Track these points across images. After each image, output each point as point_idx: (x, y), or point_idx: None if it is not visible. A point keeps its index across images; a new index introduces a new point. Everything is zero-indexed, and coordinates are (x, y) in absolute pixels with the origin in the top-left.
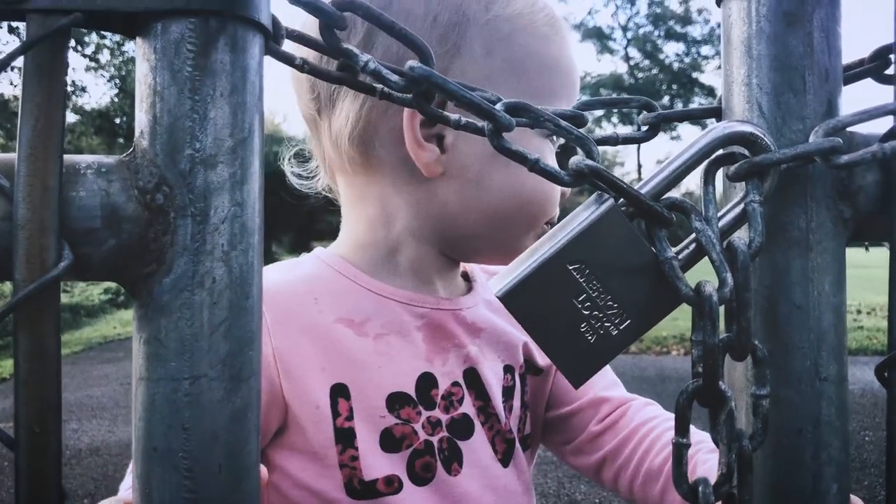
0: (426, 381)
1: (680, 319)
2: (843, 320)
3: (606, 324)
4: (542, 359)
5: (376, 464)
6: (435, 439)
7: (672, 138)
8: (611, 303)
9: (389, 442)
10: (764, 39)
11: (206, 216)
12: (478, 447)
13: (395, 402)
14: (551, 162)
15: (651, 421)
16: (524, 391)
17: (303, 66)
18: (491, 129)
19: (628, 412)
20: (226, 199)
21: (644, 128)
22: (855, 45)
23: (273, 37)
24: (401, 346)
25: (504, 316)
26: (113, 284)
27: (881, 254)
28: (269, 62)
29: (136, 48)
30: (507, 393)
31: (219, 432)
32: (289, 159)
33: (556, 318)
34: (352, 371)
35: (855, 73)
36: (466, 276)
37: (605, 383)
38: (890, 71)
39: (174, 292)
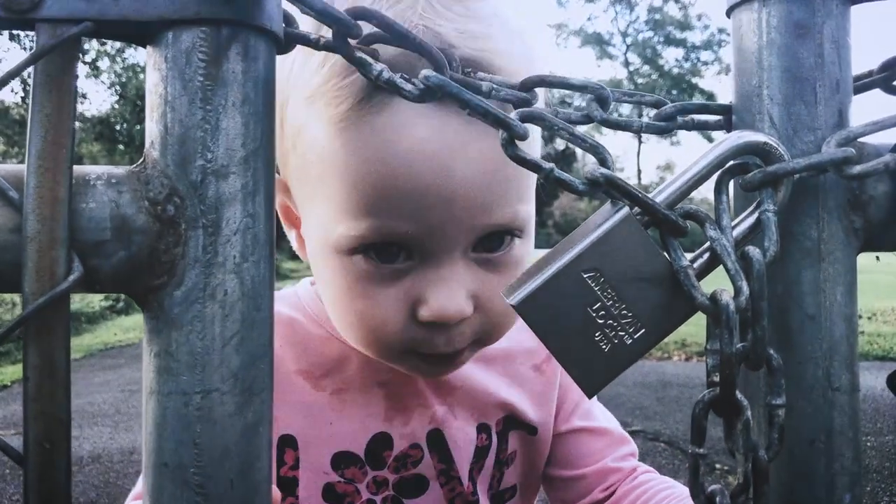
0: (379, 442)
1: (681, 325)
2: (855, 330)
3: (621, 332)
4: (535, 415)
5: None
6: (378, 498)
7: (672, 144)
8: (625, 311)
9: (331, 495)
10: (775, 51)
11: (217, 228)
12: None
13: (341, 461)
14: (370, 291)
15: (647, 483)
16: (502, 448)
17: (318, 43)
18: (506, 139)
19: (626, 480)
20: (238, 211)
21: (663, 120)
22: (864, 56)
23: (286, 44)
24: (358, 403)
25: (488, 367)
26: None
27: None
28: None
29: (147, 57)
30: (480, 453)
31: (231, 447)
32: None
33: (571, 327)
34: (302, 424)
35: (863, 83)
36: None
37: (619, 454)
38: None
39: (185, 305)
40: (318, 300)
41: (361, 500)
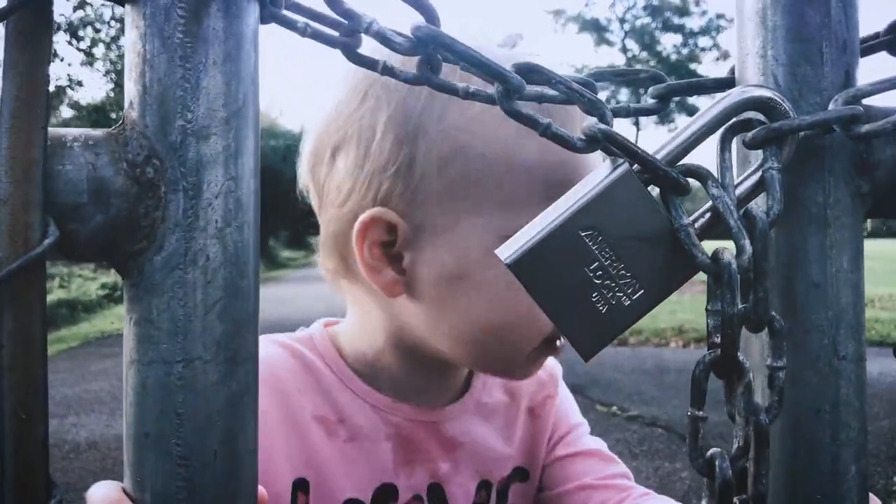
0: (385, 493)
1: (678, 312)
2: (862, 298)
3: (619, 294)
4: (526, 460)
5: None
6: None
7: (670, 131)
8: (624, 272)
9: None
10: (780, 9)
11: (198, 191)
12: None
13: None
14: None
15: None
16: (501, 503)
17: (305, 31)
18: (501, 92)
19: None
20: (219, 173)
21: (653, 100)
22: (869, 18)
23: (271, 2)
24: (368, 454)
25: (489, 422)
26: (110, 280)
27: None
28: (266, 43)
29: (126, 15)
30: None
31: (214, 417)
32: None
33: (567, 288)
34: (315, 470)
35: (869, 45)
36: (469, 378)
37: (605, 474)
38: None
39: (166, 271)
40: (332, 345)
41: None
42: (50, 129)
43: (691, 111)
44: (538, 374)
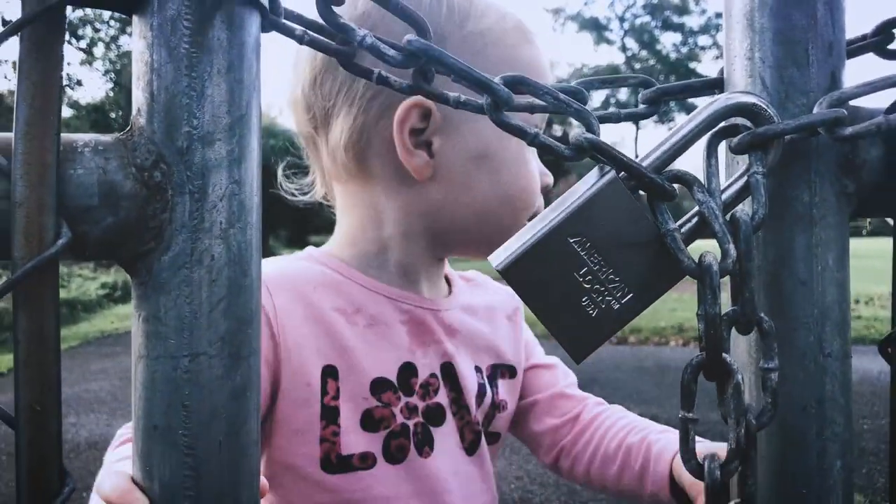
0: (407, 370)
1: (678, 310)
2: (847, 295)
3: (608, 297)
4: (513, 358)
5: (355, 441)
6: (411, 423)
7: (670, 129)
8: (612, 276)
9: (369, 422)
10: (767, 12)
11: (204, 193)
12: (447, 434)
13: (378, 386)
14: (533, 159)
15: (604, 413)
16: (494, 392)
17: (303, 38)
18: (490, 104)
19: (585, 408)
20: (224, 177)
21: (644, 105)
22: (857, 19)
23: (271, 12)
24: (386, 337)
25: (479, 319)
26: (110, 279)
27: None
28: (268, 48)
29: (133, 26)
30: (480, 390)
31: (219, 410)
32: (283, 171)
33: (557, 292)
34: (342, 355)
35: (857, 47)
36: (448, 281)
37: (567, 382)
38: (893, 46)
39: (173, 270)
40: (330, 256)
41: (396, 425)
42: (62, 135)
43: (690, 109)
44: (507, 288)
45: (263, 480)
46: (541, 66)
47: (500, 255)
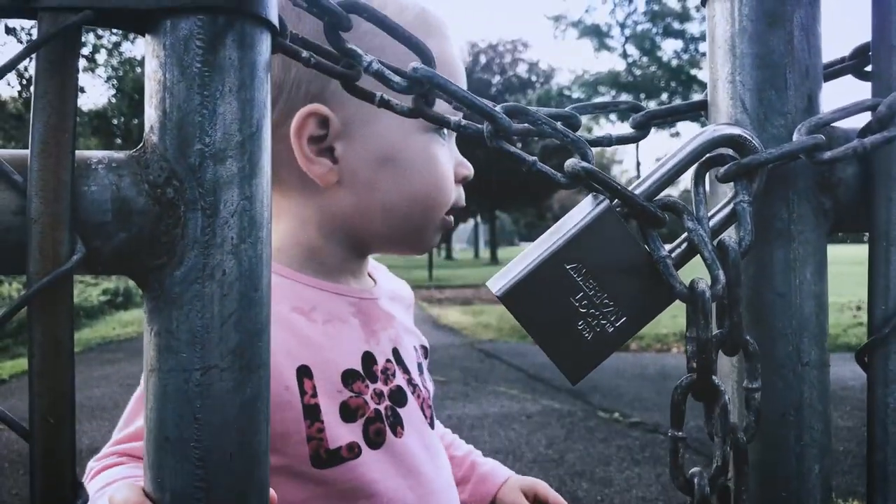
0: (368, 359)
1: (679, 317)
2: (825, 308)
3: (603, 321)
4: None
5: (339, 433)
6: (381, 407)
7: (672, 135)
8: (607, 301)
9: (347, 413)
10: (746, 38)
11: (215, 210)
12: (412, 412)
13: (348, 378)
14: (442, 155)
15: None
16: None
17: (309, 61)
18: (491, 131)
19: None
20: (235, 193)
21: (635, 128)
22: (838, 42)
23: (280, 33)
24: (344, 330)
25: (398, 305)
26: (111, 285)
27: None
28: None
29: (146, 45)
30: (419, 369)
31: (230, 422)
32: None
33: (554, 317)
34: (311, 353)
35: (836, 69)
36: (368, 273)
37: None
38: (869, 68)
39: (185, 284)
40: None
41: (371, 411)
42: (76, 152)
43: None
44: (402, 282)
45: (272, 492)
46: (449, 59)
47: (499, 282)
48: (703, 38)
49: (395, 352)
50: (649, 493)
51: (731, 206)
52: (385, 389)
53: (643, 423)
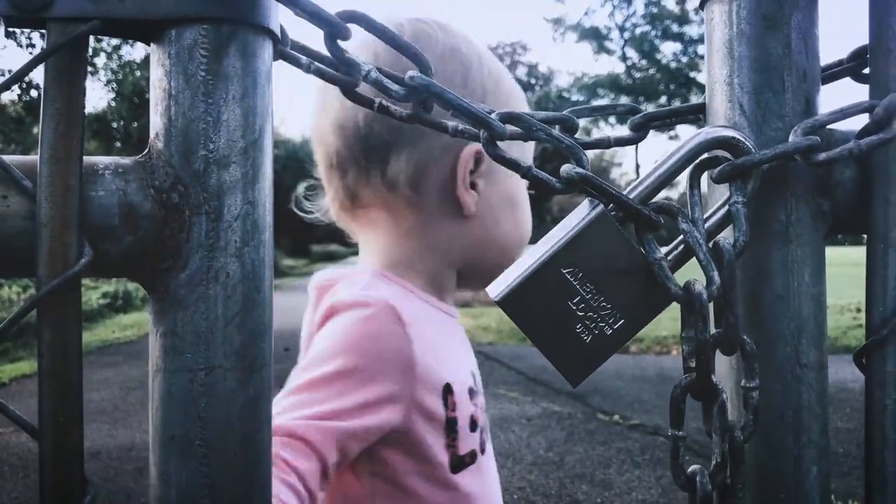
0: (473, 375)
1: (679, 320)
2: (823, 310)
3: (601, 324)
4: None
5: (466, 442)
6: (481, 421)
7: (670, 138)
8: (604, 304)
9: (473, 424)
10: (744, 41)
11: (219, 214)
12: (484, 432)
13: (470, 393)
14: None
15: None
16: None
17: (309, 68)
18: (487, 138)
19: None
20: (238, 198)
21: (633, 130)
22: (836, 45)
23: (282, 42)
24: (459, 349)
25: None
26: (111, 288)
27: None
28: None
29: (151, 54)
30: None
31: (233, 421)
32: (304, 194)
33: (552, 320)
34: (450, 370)
35: (835, 72)
36: None
37: None
38: (867, 70)
39: (190, 287)
40: (402, 280)
41: (482, 422)
42: (83, 158)
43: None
44: None
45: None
46: (523, 102)
47: (498, 287)
48: (701, 40)
49: (474, 374)
50: (649, 496)
51: (727, 207)
52: (481, 402)
53: (643, 425)
